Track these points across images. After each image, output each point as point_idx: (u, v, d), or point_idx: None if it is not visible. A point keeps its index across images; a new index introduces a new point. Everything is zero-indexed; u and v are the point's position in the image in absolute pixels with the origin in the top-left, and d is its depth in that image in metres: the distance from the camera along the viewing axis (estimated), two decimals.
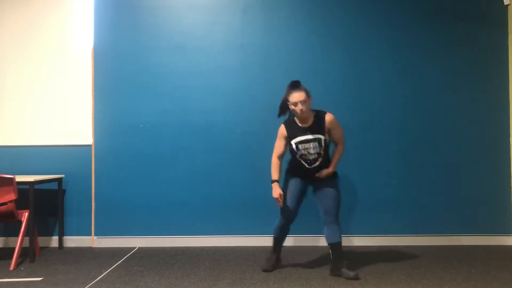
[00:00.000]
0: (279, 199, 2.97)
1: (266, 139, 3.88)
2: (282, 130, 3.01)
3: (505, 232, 3.87)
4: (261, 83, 3.92)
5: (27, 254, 3.41)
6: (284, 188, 3.05)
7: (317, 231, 3.79)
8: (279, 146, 3.04)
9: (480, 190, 3.89)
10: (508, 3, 3.80)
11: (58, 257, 3.55)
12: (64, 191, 3.92)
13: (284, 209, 3.02)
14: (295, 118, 3.00)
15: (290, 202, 3.00)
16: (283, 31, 3.94)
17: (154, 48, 3.95)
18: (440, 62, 3.92)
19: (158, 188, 3.91)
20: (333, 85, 3.92)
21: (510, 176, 3.90)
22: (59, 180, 3.83)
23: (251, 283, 2.78)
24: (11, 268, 3.18)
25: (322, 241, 3.71)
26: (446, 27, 3.93)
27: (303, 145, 2.93)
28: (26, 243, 3.43)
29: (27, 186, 3.39)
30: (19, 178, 3.33)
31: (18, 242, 3.27)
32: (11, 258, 3.23)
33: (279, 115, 3.06)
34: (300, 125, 2.96)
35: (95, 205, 3.91)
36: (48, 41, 3.99)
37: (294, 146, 2.95)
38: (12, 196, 3.17)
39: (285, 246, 3.71)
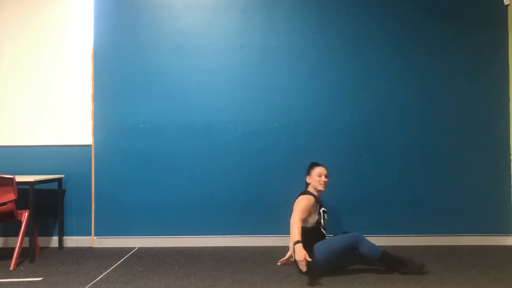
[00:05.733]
0: (304, 263, 2.65)
1: (266, 139, 3.89)
2: (312, 201, 3.04)
3: (505, 232, 3.88)
4: (261, 82, 3.92)
5: (27, 254, 3.41)
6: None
7: None
8: (305, 213, 2.97)
9: (480, 190, 3.89)
10: (508, 3, 3.80)
11: (58, 257, 3.55)
12: (64, 191, 3.92)
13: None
14: (312, 191, 3.18)
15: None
16: (283, 31, 3.94)
17: (154, 48, 3.96)
18: (440, 62, 3.93)
19: (158, 188, 3.91)
20: (333, 85, 3.92)
21: (510, 176, 3.90)
22: (59, 180, 3.83)
23: (251, 283, 2.78)
24: (11, 268, 3.18)
25: None
26: (446, 27, 3.94)
27: (326, 215, 3.20)
28: (26, 243, 3.43)
29: (27, 186, 3.39)
30: (19, 178, 3.33)
31: (18, 242, 3.27)
32: (11, 258, 3.23)
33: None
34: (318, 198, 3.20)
35: (95, 205, 3.91)
36: (48, 41, 3.99)
37: (322, 215, 3.12)
38: (12, 196, 3.17)
39: (284, 246, 3.73)
